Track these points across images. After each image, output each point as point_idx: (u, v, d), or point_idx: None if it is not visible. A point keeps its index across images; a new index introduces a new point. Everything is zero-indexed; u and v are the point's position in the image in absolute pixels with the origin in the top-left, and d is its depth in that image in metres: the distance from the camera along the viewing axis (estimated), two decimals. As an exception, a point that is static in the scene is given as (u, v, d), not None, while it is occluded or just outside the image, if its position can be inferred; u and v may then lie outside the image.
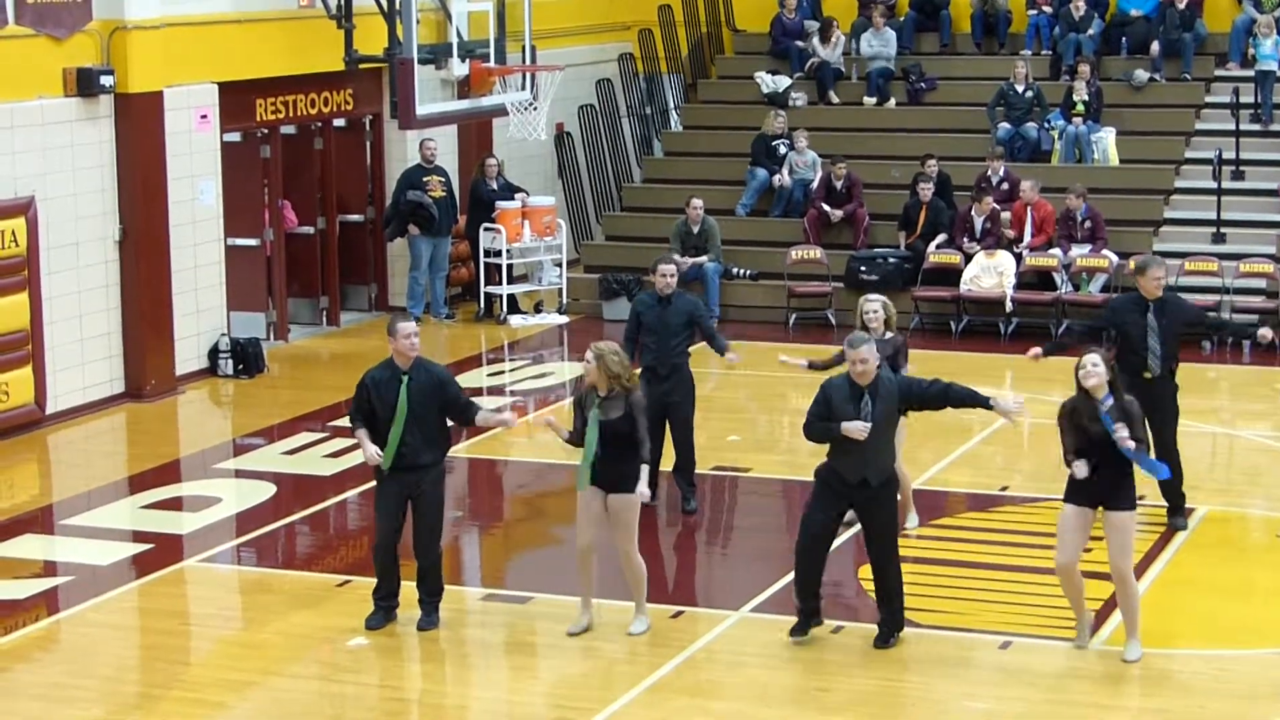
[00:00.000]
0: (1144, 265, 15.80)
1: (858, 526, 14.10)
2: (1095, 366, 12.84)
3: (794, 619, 13.40)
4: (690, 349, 16.51)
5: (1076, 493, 12.96)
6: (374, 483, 13.77)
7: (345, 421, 14.00)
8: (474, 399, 14.00)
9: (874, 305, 15.10)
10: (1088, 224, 24.05)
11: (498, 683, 13.10)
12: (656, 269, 16.32)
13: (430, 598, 13.77)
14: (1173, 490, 15.84)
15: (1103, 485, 12.85)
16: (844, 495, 13.16)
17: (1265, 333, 16.44)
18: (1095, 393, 12.80)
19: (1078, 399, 12.92)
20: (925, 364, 22.68)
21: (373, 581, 13.86)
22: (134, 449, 19.47)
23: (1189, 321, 16.05)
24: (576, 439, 13.47)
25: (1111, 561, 12.93)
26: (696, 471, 16.71)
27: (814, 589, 13.31)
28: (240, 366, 21.99)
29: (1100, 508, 12.90)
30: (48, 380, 19.75)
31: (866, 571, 14.33)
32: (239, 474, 18.27)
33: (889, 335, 15.08)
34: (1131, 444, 12.69)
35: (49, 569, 15.57)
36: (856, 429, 12.86)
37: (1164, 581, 14.71)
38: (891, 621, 13.38)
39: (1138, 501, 13.06)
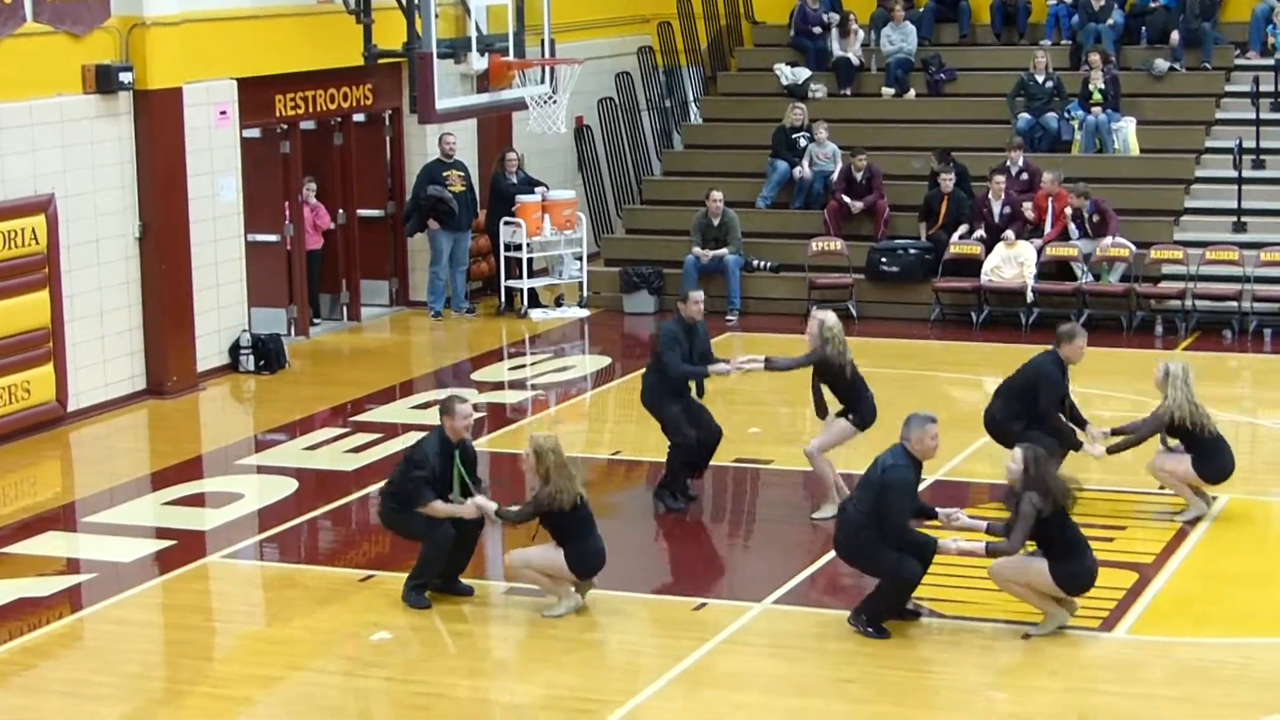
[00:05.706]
0: (1071, 334, 15.73)
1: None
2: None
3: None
4: None
5: None
6: None
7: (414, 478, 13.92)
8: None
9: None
10: (1095, 218, 24.00)
11: (522, 675, 13.11)
12: (689, 298, 16.41)
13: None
14: None
15: None
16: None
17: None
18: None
19: None
20: (947, 355, 22.77)
21: (398, 575, 14.23)
22: (156, 445, 19.49)
23: None
24: None
25: None
26: (717, 463, 16.79)
27: None
28: (262, 362, 22.01)
29: None
30: (69, 377, 19.76)
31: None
32: (261, 470, 18.28)
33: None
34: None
35: (72, 566, 15.58)
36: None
37: (1187, 571, 14.68)
38: None
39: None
